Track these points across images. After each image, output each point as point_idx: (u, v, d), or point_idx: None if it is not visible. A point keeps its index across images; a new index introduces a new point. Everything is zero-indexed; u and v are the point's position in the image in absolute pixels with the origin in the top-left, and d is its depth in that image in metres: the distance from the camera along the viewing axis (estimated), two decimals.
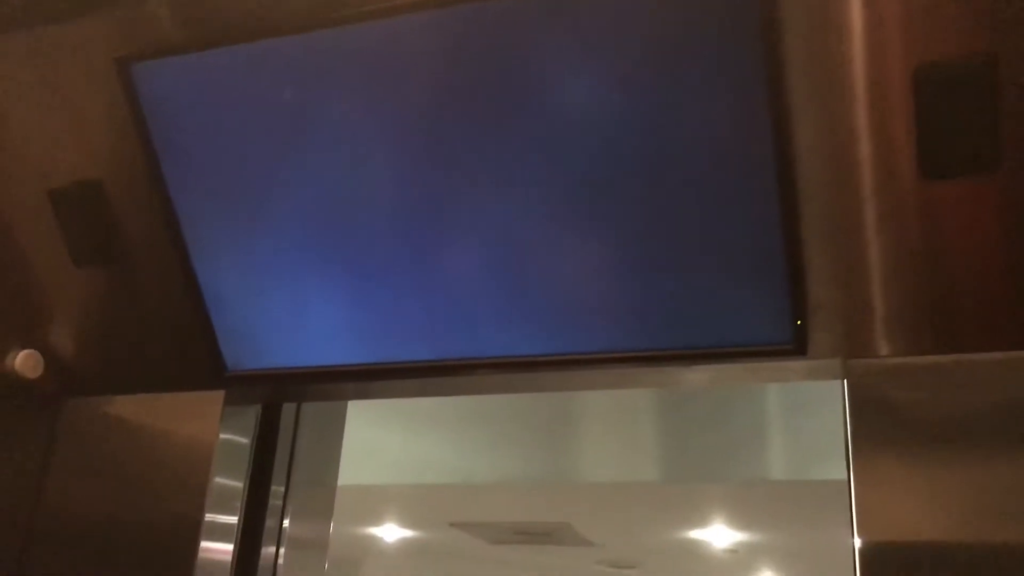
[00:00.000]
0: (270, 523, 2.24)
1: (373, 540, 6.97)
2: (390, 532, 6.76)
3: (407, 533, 6.78)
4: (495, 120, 1.63)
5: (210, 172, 1.84)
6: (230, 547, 2.12)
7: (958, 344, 1.69)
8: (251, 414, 2.22)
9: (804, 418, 3.78)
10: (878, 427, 1.69)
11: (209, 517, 2.05)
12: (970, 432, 1.62)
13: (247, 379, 2.03)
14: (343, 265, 1.82)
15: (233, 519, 2.14)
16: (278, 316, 1.90)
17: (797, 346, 1.62)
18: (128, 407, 2.20)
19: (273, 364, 1.96)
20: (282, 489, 2.29)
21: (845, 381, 1.74)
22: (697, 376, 1.84)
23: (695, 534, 6.01)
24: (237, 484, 2.17)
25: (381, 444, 4.18)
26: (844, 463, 1.75)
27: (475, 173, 1.68)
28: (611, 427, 4.18)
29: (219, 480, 2.09)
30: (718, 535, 6.00)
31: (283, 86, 1.71)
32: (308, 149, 1.74)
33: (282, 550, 2.25)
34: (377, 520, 6.43)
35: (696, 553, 6.52)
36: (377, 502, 5.80)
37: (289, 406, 2.31)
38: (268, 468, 2.26)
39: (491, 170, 1.67)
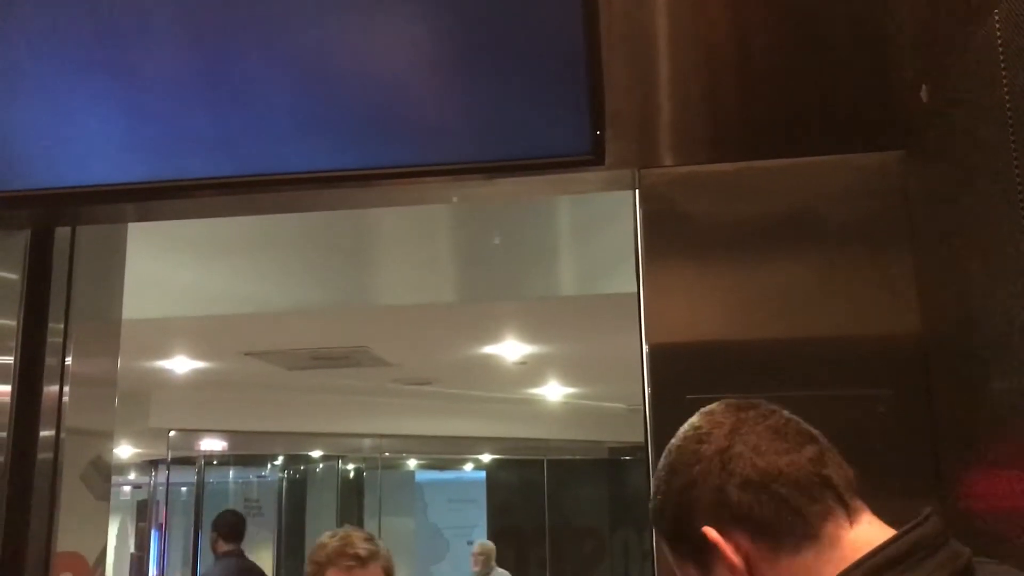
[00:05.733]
0: (51, 361, 2.11)
1: (162, 373, 6.80)
2: (181, 364, 6.61)
3: (199, 364, 6.65)
4: None
5: None
6: (8, 388, 1.99)
7: (740, 153, 1.78)
8: (19, 243, 2.03)
9: (593, 235, 3.93)
10: (667, 235, 1.78)
11: None
12: (749, 237, 1.74)
13: (10, 201, 1.83)
14: (120, 72, 1.62)
15: (8, 359, 2.00)
16: (43, 130, 1.69)
17: (596, 156, 1.65)
18: None
19: (40, 184, 1.76)
20: (61, 326, 2.15)
21: (637, 191, 1.80)
22: (498, 189, 1.85)
23: (488, 349, 6.26)
24: (9, 322, 2.01)
25: (169, 275, 3.99)
26: (630, 277, 1.84)
27: None
28: (407, 250, 4.18)
29: None
30: (509, 349, 6.28)
31: None
32: None
33: (67, 388, 2.14)
34: (167, 353, 6.24)
35: (488, 366, 6.82)
36: (167, 335, 5.61)
37: (63, 235, 2.13)
38: (43, 303, 2.10)
39: None
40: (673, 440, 1.10)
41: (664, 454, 1.10)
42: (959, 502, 1.40)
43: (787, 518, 0.99)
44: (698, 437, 1.06)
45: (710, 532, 1.00)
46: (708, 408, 1.10)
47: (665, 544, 1.09)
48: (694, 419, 1.10)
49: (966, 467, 1.42)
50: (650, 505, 1.11)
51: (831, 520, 0.99)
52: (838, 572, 0.95)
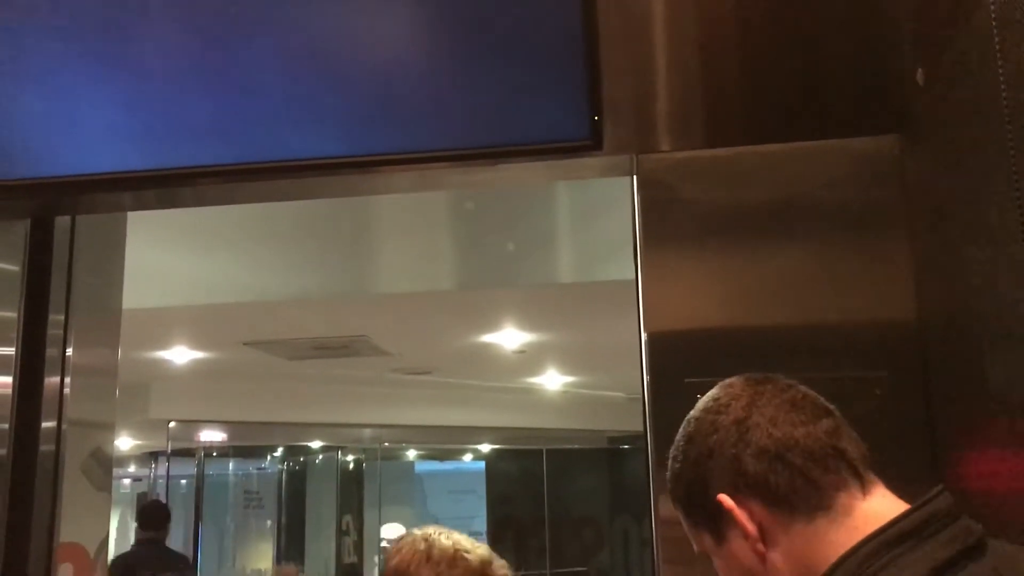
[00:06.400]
0: (52, 352, 2.12)
1: (162, 364, 6.80)
2: (180, 355, 6.61)
3: (199, 355, 6.65)
4: None
5: None
6: (9, 379, 2.00)
7: (738, 137, 1.78)
8: (19, 235, 2.03)
9: (591, 222, 3.94)
10: (665, 220, 1.78)
11: None
12: (747, 221, 1.74)
13: (9, 190, 1.83)
14: (119, 60, 1.63)
15: (9, 351, 2.01)
16: (41, 119, 1.69)
17: (594, 142, 1.65)
18: None
19: (39, 173, 1.76)
20: (61, 317, 2.15)
21: (635, 177, 1.80)
22: (496, 175, 1.85)
23: (487, 338, 6.27)
24: (10, 314, 2.02)
25: (168, 265, 3.99)
26: (628, 264, 1.84)
27: None
28: (406, 239, 4.18)
29: None
30: (508, 337, 6.28)
31: None
32: None
33: (67, 379, 2.14)
34: (166, 344, 6.24)
35: (487, 355, 6.83)
36: (166, 325, 5.61)
37: (62, 225, 2.13)
38: (44, 294, 2.11)
39: None
40: (692, 412, 1.13)
41: (683, 425, 1.13)
42: (954, 483, 1.41)
43: (801, 487, 1.01)
44: (716, 408, 1.09)
45: (724, 499, 1.03)
46: (727, 381, 1.13)
47: (681, 513, 1.12)
48: (713, 391, 1.13)
49: (961, 448, 1.43)
50: (667, 474, 1.13)
51: (844, 491, 1.01)
52: (851, 542, 0.97)
